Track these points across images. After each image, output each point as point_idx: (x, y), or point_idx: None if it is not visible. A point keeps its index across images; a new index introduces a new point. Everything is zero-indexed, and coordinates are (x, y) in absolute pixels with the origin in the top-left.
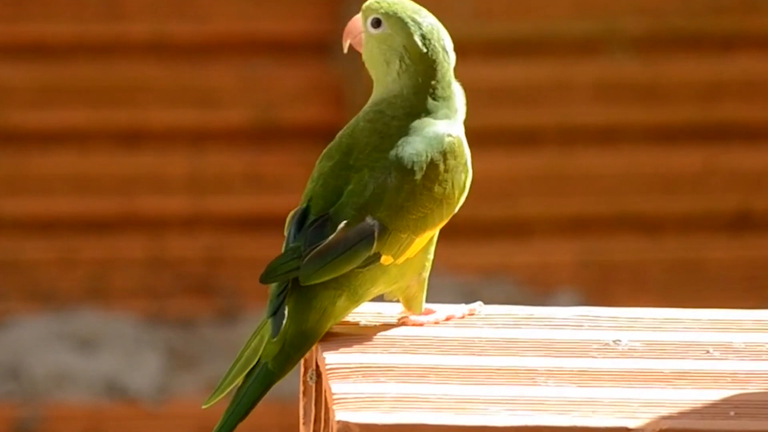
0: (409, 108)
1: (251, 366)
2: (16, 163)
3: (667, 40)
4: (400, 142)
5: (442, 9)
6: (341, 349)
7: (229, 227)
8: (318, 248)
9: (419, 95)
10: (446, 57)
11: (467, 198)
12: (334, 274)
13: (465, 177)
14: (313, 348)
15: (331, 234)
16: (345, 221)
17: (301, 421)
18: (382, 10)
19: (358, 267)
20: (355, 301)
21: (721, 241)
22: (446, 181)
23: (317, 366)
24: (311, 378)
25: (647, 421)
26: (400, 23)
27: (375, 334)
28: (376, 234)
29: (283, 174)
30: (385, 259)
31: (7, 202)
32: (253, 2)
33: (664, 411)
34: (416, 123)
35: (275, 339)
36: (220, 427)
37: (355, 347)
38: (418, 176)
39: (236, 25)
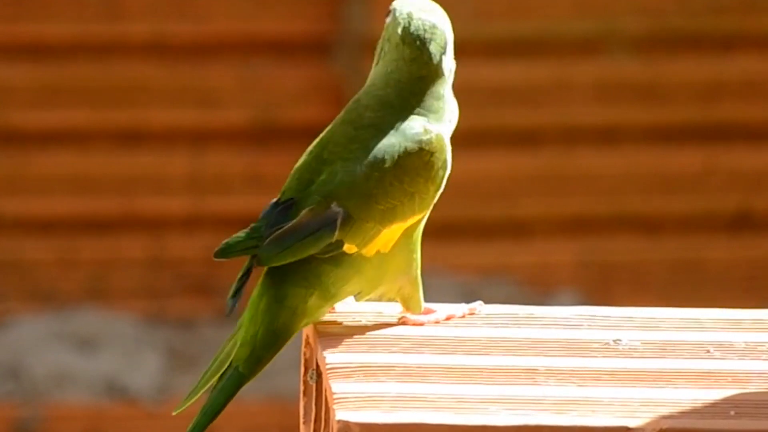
0: (381, 98)
1: (223, 369)
2: (16, 163)
3: (667, 40)
4: (374, 134)
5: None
6: (341, 349)
7: (229, 227)
8: (279, 231)
9: (389, 86)
10: (432, 57)
11: (467, 198)
12: (293, 258)
13: (443, 173)
14: (314, 347)
15: (294, 217)
16: (310, 206)
17: (302, 420)
18: (395, 2)
19: (320, 254)
20: (328, 299)
21: (721, 241)
22: (420, 175)
23: (317, 366)
24: (311, 378)
25: (647, 420)
26: (394, 13)
27: (375, 334)
28: (339, 221)
29: (283, 174)
30: (349, 248)
31: (7, 202)
32: (253, 2)
33: (664, 410)
34: (391, 115)
35: (247, 339)
36: (192, 429)
37: (356, 347)
38: (389, 165)
39: (236, 25)
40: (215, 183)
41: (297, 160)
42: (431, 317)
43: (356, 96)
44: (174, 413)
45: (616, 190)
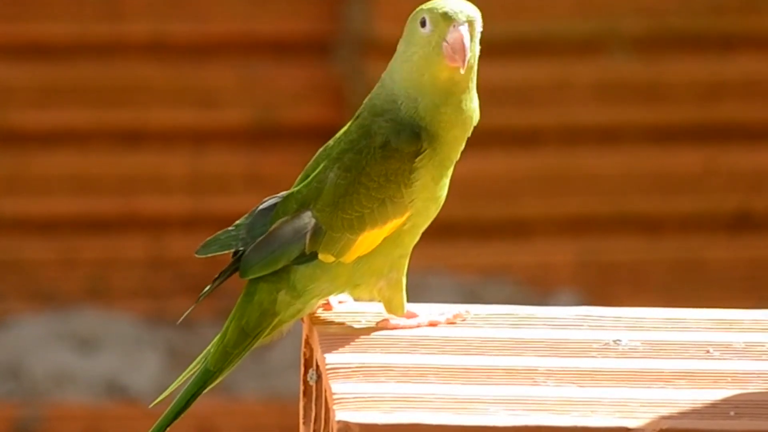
0: (377, 94)
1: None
2: (16, 163)
3: (667, 40)
4: (359, 134)
5: None
6: (341, 349)
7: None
8: (255, 243)
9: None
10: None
11: (467, 198)
12: (268, 270)
13: (418, 177)
14: (314, 347)
15: (271, 222)
16: (285, 214)
17: (301, 421)
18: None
19: (295, 263)
20: (296, 297)
21: (721, 241)
22: (390, 181)
23: (317, 366)
24: (311, 378)
25: (647, 421)
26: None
27: (375, 334)
28: (308, 235)
29: (283, 174)
30: (325, 257)
31: (7, 202)
32: (253, 2)
33: (664, 411)
34: (377, 115)
35: (219, 335)
36: (158, 423)
37: (356, 347)
38: (356, 173)
39: (236, 25)
40: (215, 183)
41: (297, 160)
42: (412, 322)
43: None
44: (151, 406)
45: (616, 190)
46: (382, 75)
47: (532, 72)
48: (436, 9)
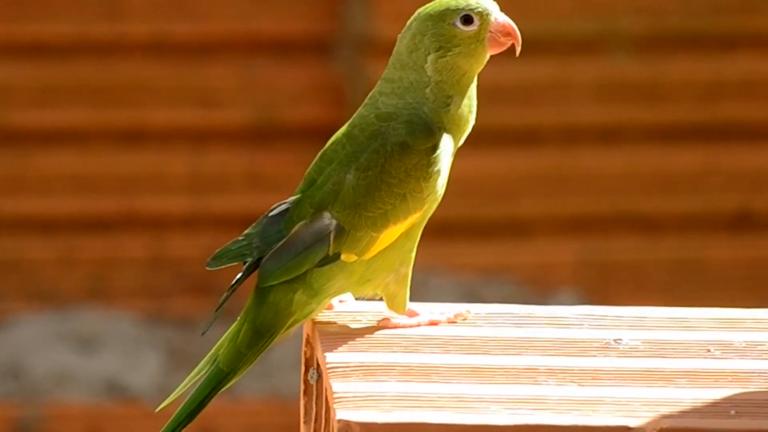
0: (389, 93)
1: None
2: (16, 163)
3: (667, 40)
4: (369, 134)
5: None
6: (342, 348)
7: (229, 227)
8: (274, 249)
9: (394, 81)
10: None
11: (467, 198)
12: (291, 275)
13: (436, 170)
14: (314, 347)
15: (285, 228)
16: (302, 218)
17: (302, 420)
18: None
19: (317, 266)
20: (313, 296)
21: (721, 241)
22: (410, 176)
23: (318, 365)
24: (312, 377)
25: (648, 420)
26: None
27: (376, 334)
28: (332, 236)
29: (283, 174)
30: (347, 257)
31: (7, 202)
32: (253, 2)
33: (665, 410)
34: (389, 113)
35: (231, 336)
36: (169, 425)
37: (356, 346)
38: (375, 171)
39: (236, 25)
40: (215, 183)
41: (297, 160)
42: (413, 321)
43: (375, 88)
44: (157, 410)
45: (616, 190)
46: (386, 83)
47: (532, 71)
48: (474, 6)
